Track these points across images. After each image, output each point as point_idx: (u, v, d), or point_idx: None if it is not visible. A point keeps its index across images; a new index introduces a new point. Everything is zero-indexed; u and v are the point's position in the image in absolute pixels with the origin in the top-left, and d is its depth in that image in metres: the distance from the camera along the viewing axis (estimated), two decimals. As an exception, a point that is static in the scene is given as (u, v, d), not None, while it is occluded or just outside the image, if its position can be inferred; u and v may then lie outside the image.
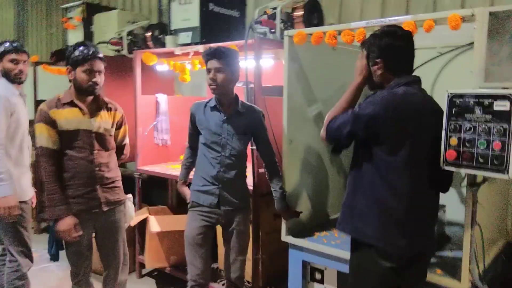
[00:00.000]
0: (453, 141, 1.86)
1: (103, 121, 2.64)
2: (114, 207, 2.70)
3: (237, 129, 2.59)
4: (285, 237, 2.76)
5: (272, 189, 2.69)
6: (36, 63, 5.05)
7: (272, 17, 3.20)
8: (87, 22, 4.80)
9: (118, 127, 2.78)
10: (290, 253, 2.79)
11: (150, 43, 4.40)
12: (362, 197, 1.96)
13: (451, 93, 1.86)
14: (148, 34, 4.42)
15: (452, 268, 2.23)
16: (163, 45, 4.40)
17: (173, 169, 3.88)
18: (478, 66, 1.96)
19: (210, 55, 2.51)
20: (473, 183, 2.02)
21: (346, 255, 2.21)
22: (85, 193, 2.57)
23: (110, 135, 2.70)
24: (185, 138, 2.89)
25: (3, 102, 2.82)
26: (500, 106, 1.74)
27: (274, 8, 3.22)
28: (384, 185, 1.90)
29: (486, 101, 1.78)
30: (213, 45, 2.97)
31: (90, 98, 2.61)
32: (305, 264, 2.77)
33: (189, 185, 2.81)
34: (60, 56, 5.07)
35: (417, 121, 1.89)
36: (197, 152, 2.69)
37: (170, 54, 3.98)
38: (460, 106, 1.85)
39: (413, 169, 1.88)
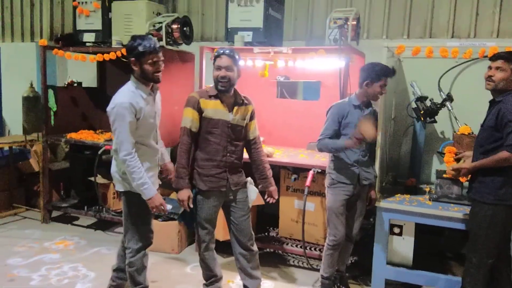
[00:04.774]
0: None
1: (238, 115, 3.04)
2: (240, 188, 3.12)
3: None
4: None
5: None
6: (44, 47, 4.83)
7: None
8: (105, 9, 4.76)
9: (250, 119, 3.16)
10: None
11: (177, 36, 4.58)
12: None
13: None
14: (175, 26, 4.59)
15: None
16: (187, 38, 4.64)
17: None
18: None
19: None
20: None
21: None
22: (216, 173, 3.00)
23: (242, 127, 3.08)
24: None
25: (127, 108, 2.75)
26: None
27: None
28: None
29: None
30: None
31: (231, 93, 2.99)
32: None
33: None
34: (69, 41, 4.91)
35: None
36: None
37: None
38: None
39: None
